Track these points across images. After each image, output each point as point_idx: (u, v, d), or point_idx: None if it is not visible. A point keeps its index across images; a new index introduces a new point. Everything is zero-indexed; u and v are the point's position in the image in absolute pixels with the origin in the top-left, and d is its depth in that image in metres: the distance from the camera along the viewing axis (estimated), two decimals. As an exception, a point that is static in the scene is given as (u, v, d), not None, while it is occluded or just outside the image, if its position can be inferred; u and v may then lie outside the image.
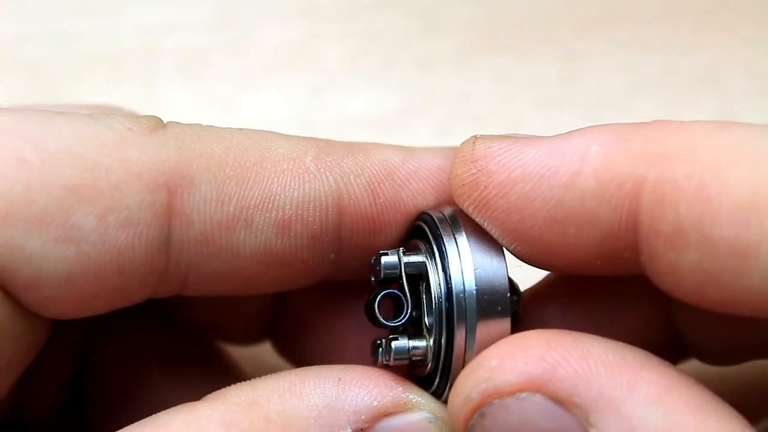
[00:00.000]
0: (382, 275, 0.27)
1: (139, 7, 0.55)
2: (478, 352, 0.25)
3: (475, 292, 0.25)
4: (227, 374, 0.35)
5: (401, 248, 0.27)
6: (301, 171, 0.27)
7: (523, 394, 0.23)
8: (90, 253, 0.25)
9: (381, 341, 0.27)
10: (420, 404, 0.26)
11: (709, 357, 0.30)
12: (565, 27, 0.55)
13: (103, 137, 0.25)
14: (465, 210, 0.26)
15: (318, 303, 0.32)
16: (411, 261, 0.27)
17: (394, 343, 0.26)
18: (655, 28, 0.55)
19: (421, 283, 0.27)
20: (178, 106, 0.52)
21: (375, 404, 0.25)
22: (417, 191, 0.28)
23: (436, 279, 0.26)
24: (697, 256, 0.23)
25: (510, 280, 0.27)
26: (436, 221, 0.27)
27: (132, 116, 0.27)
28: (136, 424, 0.24)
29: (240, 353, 0.36)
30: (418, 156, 0.29)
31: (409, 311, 0.27)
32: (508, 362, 0.24)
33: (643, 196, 0.24)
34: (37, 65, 0.54)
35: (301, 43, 0.55)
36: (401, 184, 0.28)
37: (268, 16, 0.56)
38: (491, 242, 0.26)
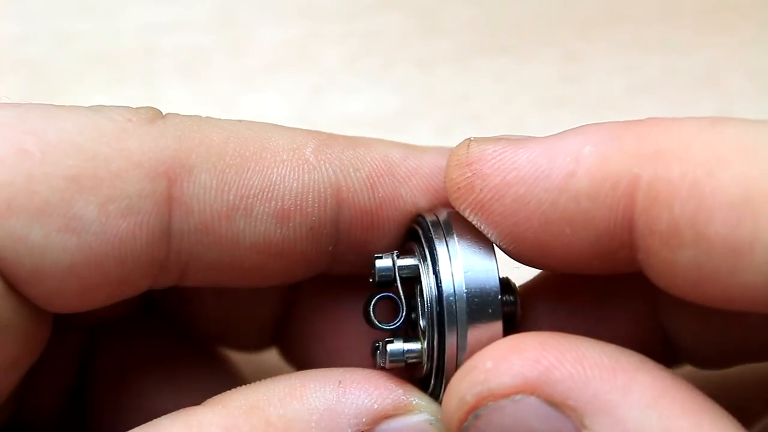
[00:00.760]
0: (377, 278, 0.27)
1: (139, 7, 0.55)
2: (471, 353, 0.25)
3: (465, 294, 0.25)
4: (228, 378, 0.35)
5: (395, 251, 0.27)
6: (300, 162, 0.27)
7: (518, 397, 0.23)
8: (92, 242, 0.25)
9: (378, 344, 0.27)
10: (420, 406, 0.26)
11: (698, 360, 0.30)
12: (565, 27, 0.55)
13: (103, 128, 0.26)
14: (461, 213, 0.26)
15: (324, 308, 0.32)
16: (405, 264, 0.27)
17: (389, 346, 0.27)
18: (655, 28, 0.55)
19: (416, 286, 0.27)
20: (178, 106, 0.52)
21: (375, 407, 0.25)
22: (417, 189, 0.28)
23: (428, 282, 0.26)
24: (692, 254, 0.23)
25: (506, 282, 0.27)
26: (429, 224, 0.27)
27: (131, 108, 0.27)
28: (136, 429, 0.24)
29: (240, 357, 0.36)
30: (419, 154, 0.29)
31: (403, 314, 0.27)
32: (503, 364, 0.24)
33: (638, 195, 0.24)
34: (37, 65, 0.54)
35: (301, 43, 0.55)
36: (401, 180, 0.28)
37: (268, 16, 0.56)
38: (483, 245, 0.26)
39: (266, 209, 0.27)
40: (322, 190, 0.27)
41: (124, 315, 0.33)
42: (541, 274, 0.30)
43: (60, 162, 0.25)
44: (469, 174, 0.26)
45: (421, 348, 0.26)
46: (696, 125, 0.24)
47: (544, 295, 0.30)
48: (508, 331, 0.26)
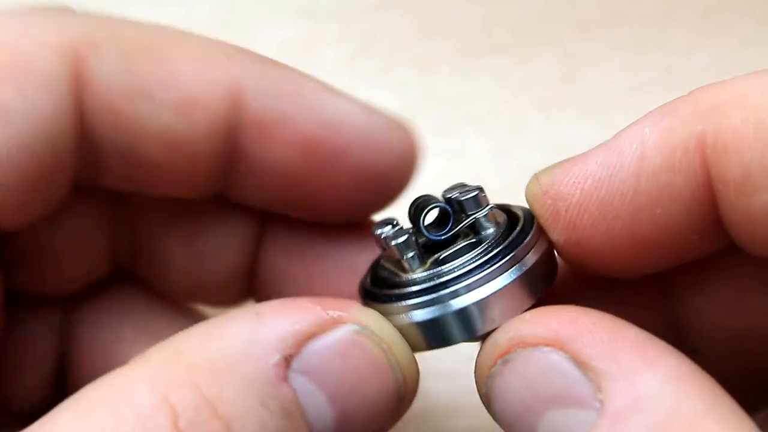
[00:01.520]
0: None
1: (139, 7, 0.55)
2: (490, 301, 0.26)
3: (534, 261, 0.26)
4: None
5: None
6: (208, 58, 0.28)
7: (546, 349, 0.24)
8: (21, 129, 0.26)
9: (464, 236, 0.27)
10: (343, 318, 0.25)
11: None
12: (565, 27, 0.55)
13: (7, 20, 0.27)
14: (561, 250, 0.27)
15: (292, 253, 0.32)
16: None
17: (468, 206, 0.27)
18: (655, 28, 0.55)
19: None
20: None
21: (297, 328, 0.24)
22: (322, 122, 0.29)
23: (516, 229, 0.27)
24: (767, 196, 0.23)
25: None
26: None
27: (39, 5, 0.28)
28: (64, 401, 0.23)
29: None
30: (341, 98, 0.30)
31: (451, 226, 0.27)
32: (540, 319, 0.25)
33: (707, 149, 0.24)
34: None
35: (300, 43, 0.55)
36: (307, 106, 0.29)
37: (268, 16, 0.56)
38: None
39: (167, 97, 0.27)
40: (224, 88, 0.28)
41: (94, 281, 0.33)
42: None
43: None
44: (550, 202, 0.26)
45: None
46: (744, 78, 0.24)
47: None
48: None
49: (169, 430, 0.22)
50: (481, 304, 0.25)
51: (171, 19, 0.55)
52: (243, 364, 0.24)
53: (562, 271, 0.28)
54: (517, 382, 0.24)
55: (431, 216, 0.28)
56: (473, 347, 0.28)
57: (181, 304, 0.35)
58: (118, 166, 0.28)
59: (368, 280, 0.28)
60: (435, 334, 0.26)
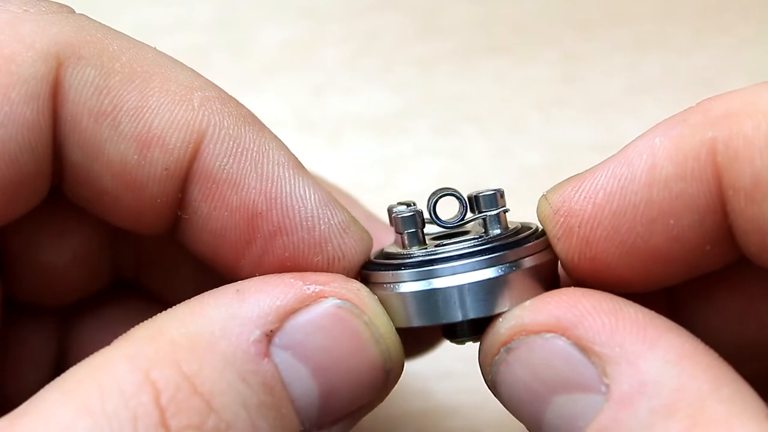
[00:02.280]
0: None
1: (139, 7, 0.55)
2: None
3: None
4: None
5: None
6: (183, 100, 0.27)
7: (549, 335, 0.24)
8: (2, 135, 0.25)
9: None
10: (324, 292, 0.25)
11: None
12: (565, 27, 0.55)
13: None
14: (575, 268, 0.26)
15: None
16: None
17: (483, 203, 0.28)
18: (655, 28, 0.55)
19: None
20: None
21: (277, 303, 0.25)
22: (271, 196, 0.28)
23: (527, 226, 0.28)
24: None
25: None
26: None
27: (36, 1, 0.27)
28: (57, 378, 0.24)
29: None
30: (305, 175, 0.28)
31: (464, 214, 0.28)
32: (540, 305, 0.25)
33: (718, 156, 0.24)
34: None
35: (301, 43, 0.55)
36: (266, 173, 0.28)
37: (268, 16, 0.56)
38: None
39: (131, 129, 0.27)
40: (188, 132, 0.27)
41: (95, 292, 0.33)
42: None
43: None
44: (562, 220, 0.26)
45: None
46: (754, 87, 0.24)
47: None
48: None
49: (152, 408, 0.22)
50: (461, 289, 0.26)
51: (171, 18, 0.56)
52: (222, 341, 0.24)
53: (566, 278, 0.28)
54: (521, 370, 0.24)
55: (451, 209, 0.28)
56: (473, 348, 0.28)
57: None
58: (75, 185, 0.28)
59: (375, 255, 0.29)
60: (415, 309, 0.26)
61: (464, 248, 0.27)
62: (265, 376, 0.24)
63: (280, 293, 0.25)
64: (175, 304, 0.34)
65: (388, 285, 0.27)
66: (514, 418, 0.26)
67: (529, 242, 0.27)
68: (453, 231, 0.28)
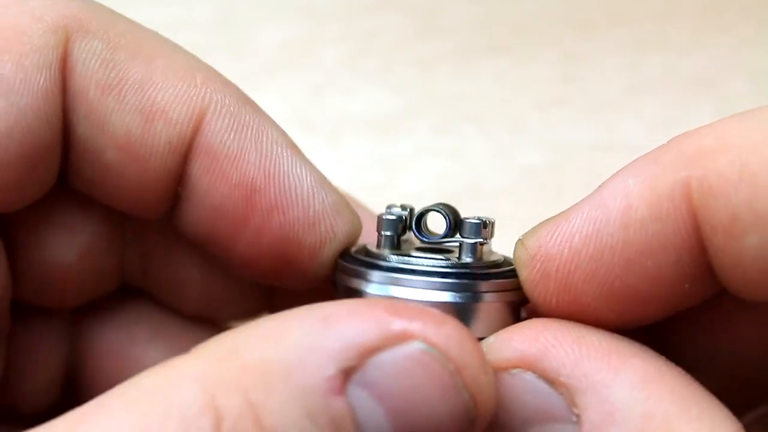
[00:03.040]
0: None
1: (138, 7, 0.55)
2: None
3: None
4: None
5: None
6: (186, 77, 0.28)
7: (515, 371, 0.24)
8: (20, 103, 0.26)
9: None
10: (412, 334, 0.23)
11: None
12: (565, 27, 0.55)
13: None
14: (553, 312, 0.26)
15: None
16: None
17: (466, 230, 0.27)
18: (655, 28, 0.55)
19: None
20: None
21: (361, 340, 0.23)
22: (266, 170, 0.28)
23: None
24: (757, 239, 0.23)
25: None
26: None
27: None
28: (118, 386, 0.23)
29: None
30: (303, 161, 0.29)
31: (449, 229, 0.28)
32: (504, 340, 0.25)
33: (693, 195, 0.24)
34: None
35: (301, 43, 0.55)
36: (265, 148, 0.28)
37: (268, 16, 0.56)
38: None
39: (137, 102, 0.27)
40: (191, 107, 0.28)
41: (103, 295, 0.33)
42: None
43: None
44: (538, 265, 0.26)
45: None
46: (723, 122, 0.24)
47: None
48: None
49: None
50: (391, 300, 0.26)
51: (171, 18, 0.55)
52: (296, 373, 0.22)
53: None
54: None
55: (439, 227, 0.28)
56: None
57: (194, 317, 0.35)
58: (81, 161, 0.28)
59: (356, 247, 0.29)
60: None
61: (428, 266, 0.27)
62: (335, 415, 0.23)
63: (366, 328, 0.23)
64: (179, 310, 0.34)
65: (339, 273, 0.28)
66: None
67: (492, 278, 0.27)
68: (435, 246, 0.28)
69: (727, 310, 0.28)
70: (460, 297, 0.26)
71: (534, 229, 0.26)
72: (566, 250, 0.25)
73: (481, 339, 0.26)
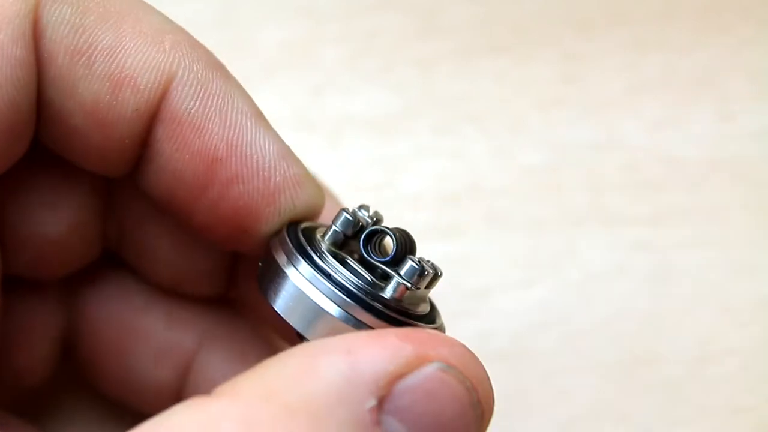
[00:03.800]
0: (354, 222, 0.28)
1: (138, 7, 0.55)
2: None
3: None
4: (218, 309, 0.35)
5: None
6: (154, 42, 0.28)
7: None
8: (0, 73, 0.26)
9: (381, 278, 0.27)
10: (430, 356, 0.24)
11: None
12: (565, 27, 0.55)
13: None
14: None
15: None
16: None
17: (404, 268, 0.27)
18: (655, 28, 0.55)
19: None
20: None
21: (390, 369, 0.23)
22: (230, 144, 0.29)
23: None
24: None
25: None
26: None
27: None
28: (145, 423, 0.23)
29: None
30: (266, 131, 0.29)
31: (391, 257, 0.28)
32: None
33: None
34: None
35: (301, 43, 0.55)
36: (231, 122, 0.28)
37: (268, 16, 0.56)
38: None
39: (105, 68, 0.27)
40: (158, 74, 0.28)
41: (88, 263, 0.33)
42: None
43: None
44: None
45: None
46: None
47: None
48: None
49: None
50: (296, 297, 0.27)
51: (171, 18, 0.55)
52: (341, 409, 0.23)
53: None
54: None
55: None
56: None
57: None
58: (47, 122, 0.28)
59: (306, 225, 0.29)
60: (283, 292, 0.27)
61: (343, 275, 0.27)
62: None
63: (391, 356, 0.24)
64: (149, 280, 0.34)
65: (280, 253, 0.28)
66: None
67: (381, 319, 0.26)
68: (377, 263, 0.28)
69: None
70: (345, 318, 0.26)
71: None
72: None
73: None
